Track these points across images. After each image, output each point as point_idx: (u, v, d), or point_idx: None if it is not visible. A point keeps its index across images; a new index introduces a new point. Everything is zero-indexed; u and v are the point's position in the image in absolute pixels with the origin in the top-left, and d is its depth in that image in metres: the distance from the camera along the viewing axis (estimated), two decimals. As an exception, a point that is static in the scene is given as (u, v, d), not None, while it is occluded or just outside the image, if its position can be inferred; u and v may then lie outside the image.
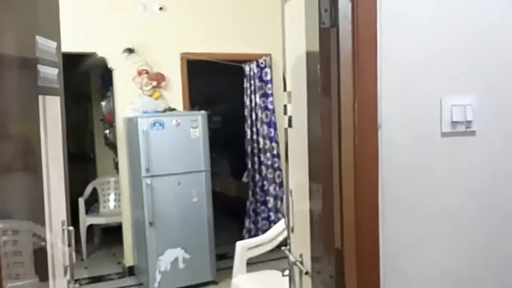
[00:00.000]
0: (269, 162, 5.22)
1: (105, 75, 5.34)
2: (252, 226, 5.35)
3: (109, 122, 6.02)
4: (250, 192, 5.36)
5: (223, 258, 4.78)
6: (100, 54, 4.67)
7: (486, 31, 1.59)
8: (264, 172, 5.25)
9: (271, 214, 5.26)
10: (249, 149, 5.34)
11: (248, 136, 5.31)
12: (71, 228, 1.55)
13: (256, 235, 4.94)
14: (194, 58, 4.93)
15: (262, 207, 5.29)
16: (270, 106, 5.19)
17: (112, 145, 5.95)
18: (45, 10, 1.66)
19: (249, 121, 5.30)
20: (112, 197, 5.89)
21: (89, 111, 7.14)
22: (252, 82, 5.21)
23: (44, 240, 1.44)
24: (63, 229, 1.52)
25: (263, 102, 5.21)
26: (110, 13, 4.64)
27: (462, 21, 1.55)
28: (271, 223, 5.11)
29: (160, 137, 4.27)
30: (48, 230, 1.46)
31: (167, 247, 4.32)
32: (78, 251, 5.36)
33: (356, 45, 1.40)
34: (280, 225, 3.62)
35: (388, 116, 1.47)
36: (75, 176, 5.87)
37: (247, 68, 5.23)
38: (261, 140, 5.23)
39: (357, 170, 1.43)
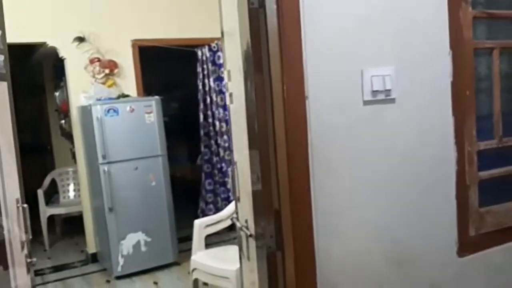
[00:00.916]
0: (226, 144, 5.33)
1: (58, 65, 5.30)
2: (208, 206, 5.46)
3: (64, 112, 5.99)
4: (203, 174, 5.48)
5: (186, 240, 4.86)
6: (50, 43, 4.64)
7: (403, 10, 1.76)
8: (222, 154, 5.37)
9: (230, 194, 5.39)
10: (202, 132, 5.44)
11: (202, 120, 5.41)
12: (25, 205, 1.64)
13: (216, 215, 5.07)
14: (145, 45, 4.96)
15: (222, 188, 5.42)
16: (225, 89, 5.30)
17: (68, 135, 5.93)
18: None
19: (201, 105, 5.38)
20: (71, 187, 5.91)
21: (44, 102, 7.04)
22: (205, 66, 5.29)
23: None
24: (18, 207, 1.62)
25: (217, 85, 5.31)
26: (60, 1, 4.61)
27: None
28: (230, 202, 5.25)
29: (115, 124, 4.32)
30: (4, 210, 1.55)
31: (128, 231, 4.41)
32: (40, 242, 5.38)
33: (281, 23, 1.54)
34: (237, 202, 3.76)
35: (315, 88, 1.63)
36: (33, 169, 5.84)
37: (199, 53, 5.30)
38: (217, 123, 5.34)
39: (288, 137, 1.59)
